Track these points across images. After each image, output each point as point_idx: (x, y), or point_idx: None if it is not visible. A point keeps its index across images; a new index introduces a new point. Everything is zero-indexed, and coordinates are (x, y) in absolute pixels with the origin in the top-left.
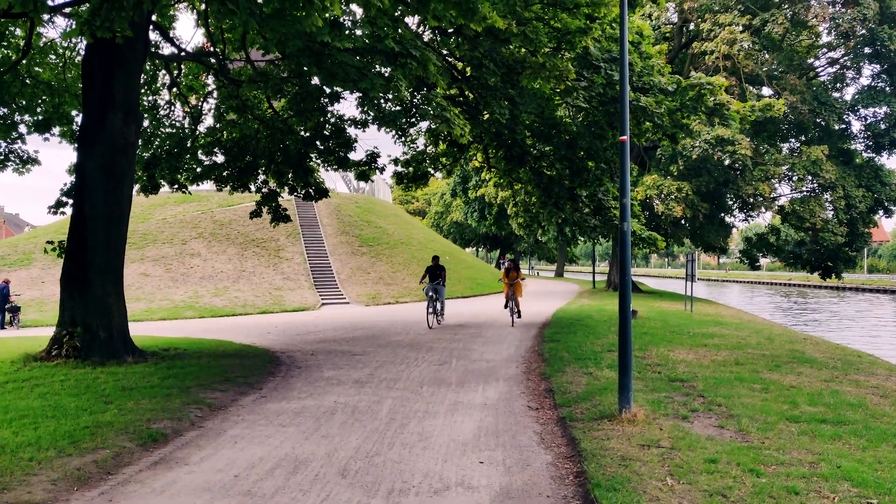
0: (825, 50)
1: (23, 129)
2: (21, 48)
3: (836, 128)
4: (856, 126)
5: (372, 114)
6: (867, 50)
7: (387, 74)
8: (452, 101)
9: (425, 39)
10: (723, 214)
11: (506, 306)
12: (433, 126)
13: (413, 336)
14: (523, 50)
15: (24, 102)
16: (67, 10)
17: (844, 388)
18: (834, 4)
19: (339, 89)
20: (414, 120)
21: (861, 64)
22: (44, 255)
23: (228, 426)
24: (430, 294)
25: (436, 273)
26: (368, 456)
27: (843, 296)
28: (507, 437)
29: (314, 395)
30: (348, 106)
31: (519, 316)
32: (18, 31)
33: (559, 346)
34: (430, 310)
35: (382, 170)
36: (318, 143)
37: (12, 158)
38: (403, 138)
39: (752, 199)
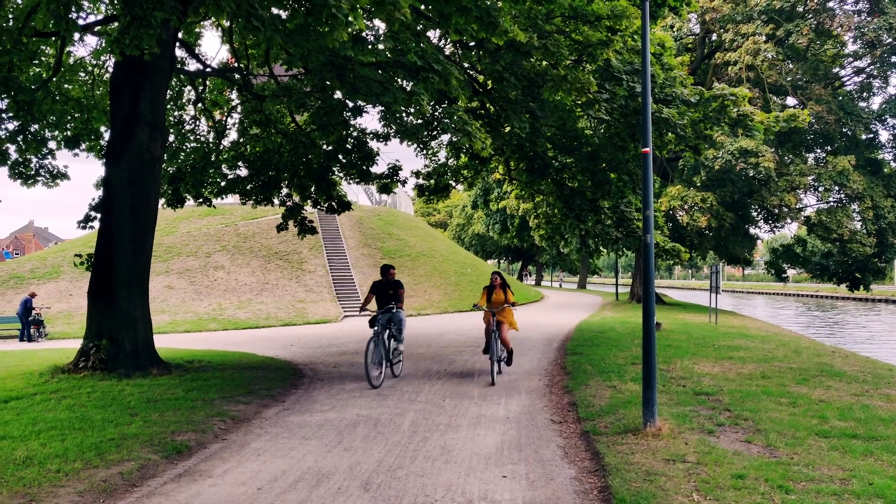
0: (851, 59)
1: (52, 144)
2: (52, 66)
3: (864, 137)
4: (884, 136)
5: (394, 127)
6: (894, 59)
7: (409, 88)
8: (473, 115)
9: (447, 53)
10: (747, 226)
11: (485, 350)
12: (454, 139)
13: (435, 349)
14: (544, 63)
15: (54, 119)
16: (97, 28)
17: (875, 403)
18: (859, 13)
19: (361, 103)
20: (435, 133)
21: (888, 73)
22: (72, 268)
23: (252, 439)
24: (376, 329)
25: (387, 293)
26: (391, 469)
27: (873, 307)
28: (531, 451)
29: (336, 407)
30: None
31: (508, 363)
32: (49, 50)
33: (582, 359)
34: (372, 358)
35: (404, 182)
36: (340, 156)
37: (42, 173)
38: (425, 151)
39: (777, 210)
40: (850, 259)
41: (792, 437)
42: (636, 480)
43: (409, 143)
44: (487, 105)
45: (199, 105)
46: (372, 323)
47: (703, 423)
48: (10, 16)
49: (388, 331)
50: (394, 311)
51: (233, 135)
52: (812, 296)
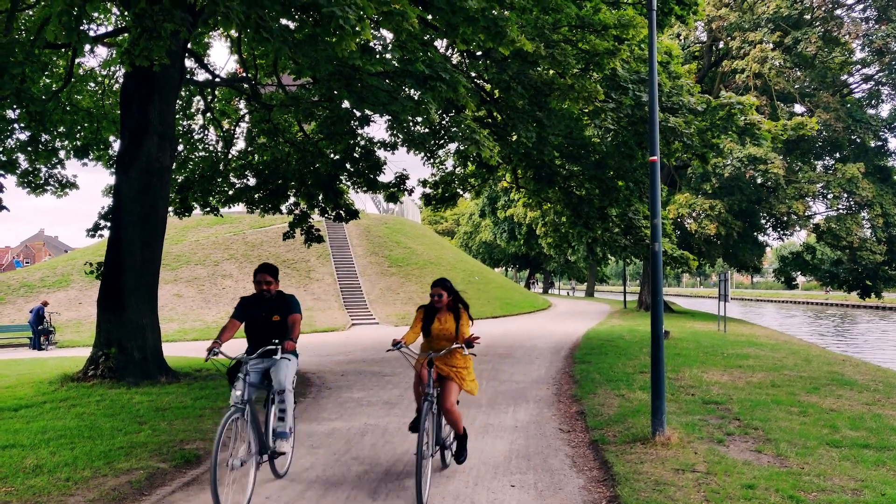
0: (859, 66)
1: (62, 154)
2: (63, 77)
3: (872, 145)
4: (893, 143)
5: (401, 136)
6: None
7: (416, 97)
8: (481, 123)
9: (454, 62)
10: (756, 233)
11: (413, 426)
12: (462, 147)
13: None
14: (551, 72)
15: (64, 129)
16: (107, 40)
17: (887, 412)
18: (867, 21)
19: (368, 112)
20: (443, 142)
21: None
22: (82, 276)
23: None
24: (239, 392)
25: (265, 319)
26: (399, 478)
27: (885, 315)
28: (539, 460)
29: (344, 416)
30: (378, 129)
31: (459, 456)
32: (60, 61)
33: (590, 368)
34: (231, 449)
35: (411, 191)
36: (347, 165)
37: (51, 182)
38: (432, 160)
39: (786, 218)
40: (861, 267)
41: (802, 446)
42: (645, 490)
43: (417, 152)
44: (495, 114)
45: (208, 114)
46: (232, 376)
47: (713, 432)
48: (23, 28)
49: (268, 395)
50: (276, 357)
51: (241, 144)
52: (822, 304)
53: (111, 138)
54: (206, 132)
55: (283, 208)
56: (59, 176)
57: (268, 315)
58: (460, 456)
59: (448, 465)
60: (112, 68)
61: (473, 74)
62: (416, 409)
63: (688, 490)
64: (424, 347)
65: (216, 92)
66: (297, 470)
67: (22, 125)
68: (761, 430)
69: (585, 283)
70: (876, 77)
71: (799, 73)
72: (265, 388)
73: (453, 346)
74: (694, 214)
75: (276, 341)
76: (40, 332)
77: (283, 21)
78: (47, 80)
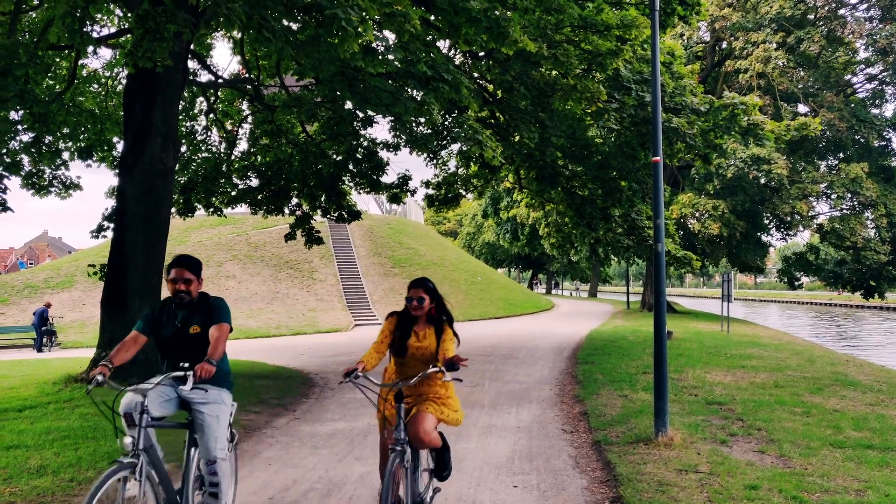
0: (863, 66)
1: (66, 155)
2: (66, 78)
3: (876, 144)
4: None
5: (404, 137)
6: None
7: (419, 98)
8: (484, 124)
9: (457, 63)
10: (759, 233)
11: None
12: (465, 148)
13: None
14: (554, 72)
15: (67, 130)
16: (110, 41)
17: (891, 413)
18: (871, 20)
19: (371, 113)
20: (445, 143)
21: None
22: (85, 277)
23: (262, 448)
24: (131, 437)
25: (184, 334)
26: None
27: (889, 316)
28: (542, 461)
29: (347, 416)
30: (380, 130)
31: (442, 473)
32: (64, 63)
33: (593, 368)
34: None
35: (414, 192)
36: (350, 166)
37: (55, 184)
38: (435, 161)
39: (789, 218)
40: (864, 267)
41: (806, 447)
42: (648, 491)
43: (420, 153)
44: (497, 114)
45: (211, 115)
46: (128, 418)
47: (716, 432)
48: (26, 30)
49: (189, 435)
50: (186, 389)
51: (243, 145)
52: (826, 304)
53: (115, 139)
54: (209, 133)
55: (286, 209)
56: (62, 177)
57: (184, 325)
58: (441, 472)
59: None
60: (115, 70)
61: (476, 75)
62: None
63: (691, 491)
64: (392, 373)
65: (219, 93)
66: (300, 471)
67: (26, 126)
68: (764, 431)
69: (588, 284)
70: (880, 77)
71: (802, 73)
72: (186, 424)
73: (429, 371)
74: (697, 214)
75: (186, 365)
76: (43, 333)
77: (286, 22)
78: (51, 82)
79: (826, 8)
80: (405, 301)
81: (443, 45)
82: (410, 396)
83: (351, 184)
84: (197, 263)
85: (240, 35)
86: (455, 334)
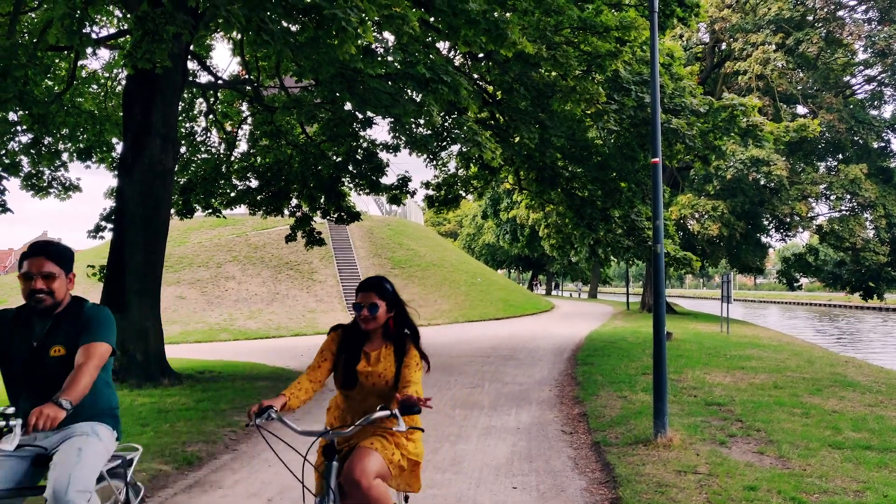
0: (861, 68)
1: (65, 156)
2: (65, 79)
3: (875, 146)
4: (895, 144)
5: (403, 138)
6: None
7: (418, 100)
8: (483, 125)
9: (456, 64)
10: (759, 234)
11: None
12: (465, 149)
13: (444, 359)
14: (554, 74)
15: (66, 131)
16: (110, 42)
17: (890, 414)
18: (870, 22)
19: (371, 115)
20: (445, 144)
21: None
22: (84, 278)
23: (262, 449)
24: None
25: (40, 357)
26: None
27: (888, 317)
28: (541, 462)
29: None
30: (380, 131)
31: None
32: (63, 64)
33: (593, 369)
34: None
35: (413, 193)
36: (350, 167)
37: (55, 185)
38: (435, 162)
39: (788, 219)
40: (864, 268)
41: (805, 448)
42: (647, 492)
43: (419, 154)
44: (497, 116)
45: (211, 117)
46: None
47: (715, 433)
48: (26, 31)
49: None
50: (9, 445)
51: (243, 146)
52: (825, 305)
53: (114, 140)
54: (208, 134)
55: (286, 210)
56: (62, 178)
57: (42, 345)
58: None
59: None
60: (114, 71)
61: (475, 76)
62: None
63: (690, 492)
64: (336, 410)
65: (219, 94)
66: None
67: (25, 128)
68: (763, 432)
69: (588, 285)
70: (879, 78)
71: (801, 75)
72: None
73: (374, 416)
74: (697, 216)
75: (10, 411)
76: None
77: (285, 23)
78: (50, 83)
79: (825, 10)
80: (352, 308)
81: (442, 46)
82: (348, 439)
83: (351, 185)
84: (66, 252)
85: (239, 36)
86: (423, 356)
